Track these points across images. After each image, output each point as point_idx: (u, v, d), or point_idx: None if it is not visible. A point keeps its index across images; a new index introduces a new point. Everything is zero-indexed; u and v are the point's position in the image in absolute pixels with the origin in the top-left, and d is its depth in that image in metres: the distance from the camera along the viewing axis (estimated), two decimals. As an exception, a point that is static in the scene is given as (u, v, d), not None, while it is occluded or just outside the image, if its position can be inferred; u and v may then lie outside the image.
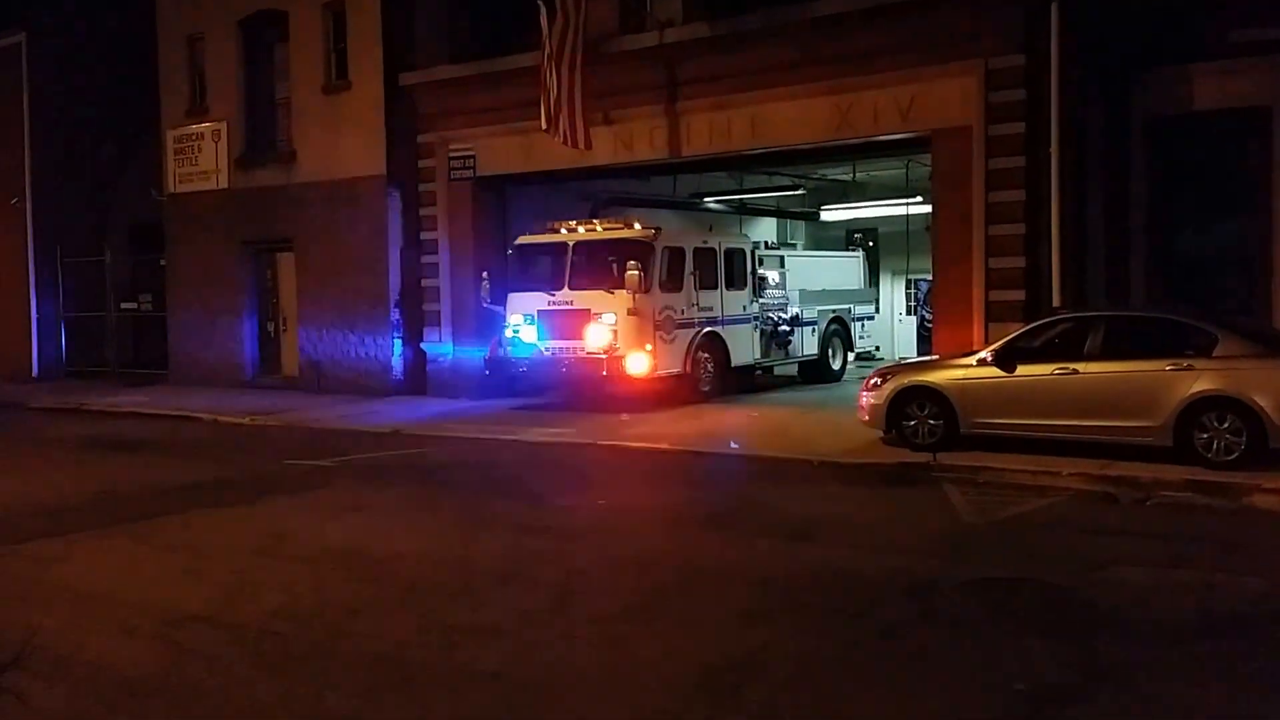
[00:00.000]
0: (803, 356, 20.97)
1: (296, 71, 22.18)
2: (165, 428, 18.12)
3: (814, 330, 21.16)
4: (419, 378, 20.80)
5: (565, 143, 17.47)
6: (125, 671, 6.16)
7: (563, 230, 18.25)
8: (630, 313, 17.08)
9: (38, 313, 26.01)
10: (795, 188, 24.34)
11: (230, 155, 23.17)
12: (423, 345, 20.81)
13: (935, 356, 14.35)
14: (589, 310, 17.35)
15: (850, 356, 22.35)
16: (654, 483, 12.34)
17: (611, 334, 17.14)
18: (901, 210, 22.94)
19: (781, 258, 21.45)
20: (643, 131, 18.07)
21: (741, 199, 24.34)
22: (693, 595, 7.50)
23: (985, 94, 14.78)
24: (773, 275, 20.44)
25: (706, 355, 18.49)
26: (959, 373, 12.55)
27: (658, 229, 18.07)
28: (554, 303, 17.70)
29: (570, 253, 17.85)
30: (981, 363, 12.38)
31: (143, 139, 24.99)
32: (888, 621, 6.82)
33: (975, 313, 14.98)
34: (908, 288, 26.08)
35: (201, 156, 23.61)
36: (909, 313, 25.80)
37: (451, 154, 20.23)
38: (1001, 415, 12.15)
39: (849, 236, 26.80)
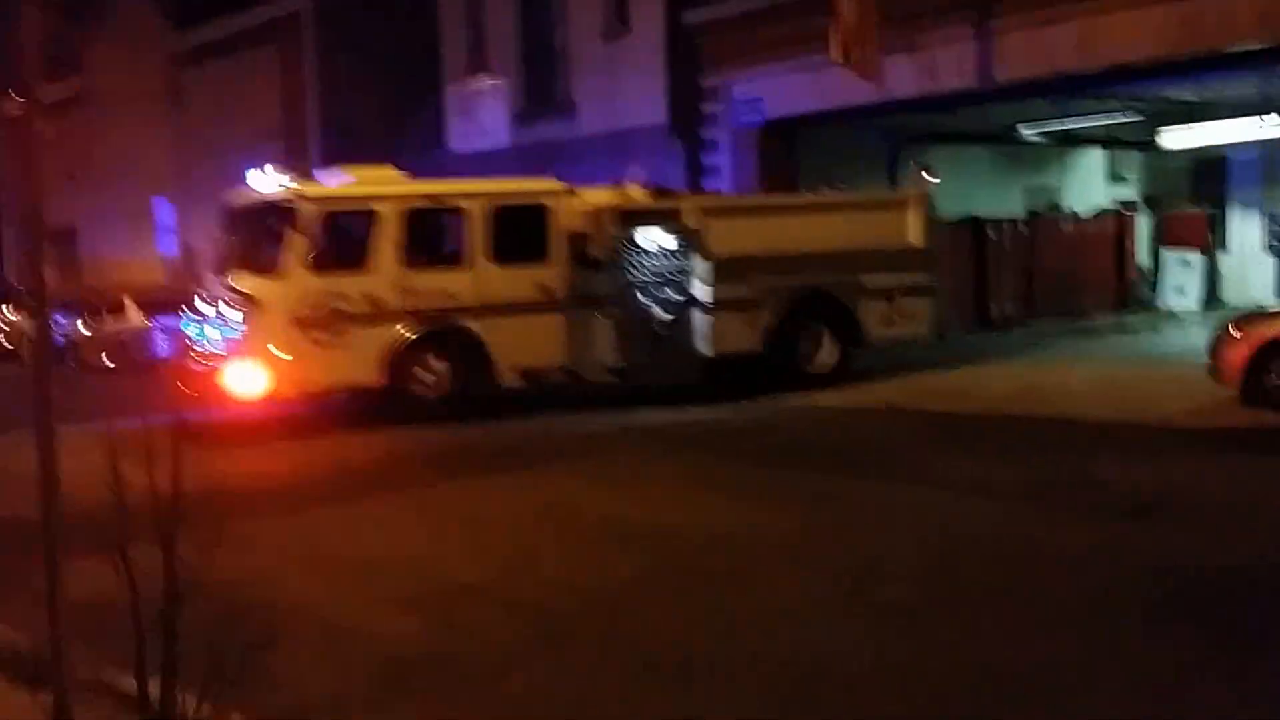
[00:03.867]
0: (725, 351, 15.45)
1: (576, 18, 22.50)
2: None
3: (746, 318, 15.49)
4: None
5: (860, 75, 16.82)
6: (396, 647, 6.17)
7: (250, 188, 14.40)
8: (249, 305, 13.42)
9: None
10: (1128, 111, 22.56)
11: (511, 110, 23.81)
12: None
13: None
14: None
15: (834, 348, 16.21)
16: (961, 453, 11.65)
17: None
18: (1261, 133, 20.78)
19: (682, 212, 15.69)
20: (948, 58, 17.13)
21: (1066, 129, 22.79)
22: (1007, 588, 6.89)
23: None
24: (657, 240, 15.41)
25: (435, 361, 14.31)
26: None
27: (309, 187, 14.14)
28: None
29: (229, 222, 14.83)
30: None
31: (428, 99, 26.07)
32: (1251, 631, 6.03)
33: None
34: (1274, 224, 23.64)
35: (482, 113, 24.39)
36: (1273, 252, 23.40)
37: (736, 97, 19.94)
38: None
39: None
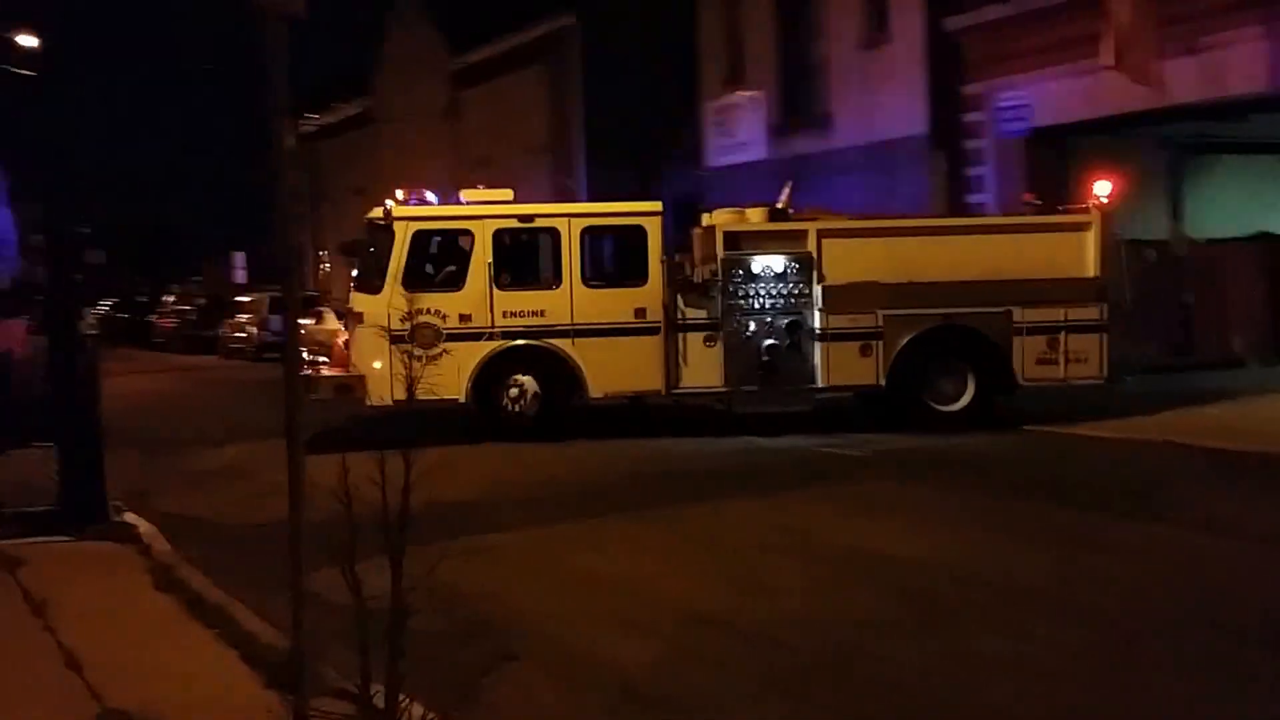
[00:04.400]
0: (839, 383, 14.79)
1: (834, 28, 22.20)
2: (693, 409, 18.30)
3: (863, 347, 14.67)
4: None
5: (1135, 79, 15.87)
6: (628, 672, 6.11)
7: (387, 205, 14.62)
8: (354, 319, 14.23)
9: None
10: None
11: (767, 124, 23.72)
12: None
13: None
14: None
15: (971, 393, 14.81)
16: (1233, 492, 10.74)
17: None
18: None
19: (798, 234, 14.98)
20: (1236, 59, 15.95)
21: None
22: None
23: None
24: (759, 265, 14.72)
25: (523, 379, 14.52)
26: None
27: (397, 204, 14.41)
28: None
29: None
30: None
31: (686, 114, 26.29)
32: None
33: None
34: None
35: (739, 127, 24.39)
36: None
37: (1001, 104, 19.19)
38: None
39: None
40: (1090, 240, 14.66)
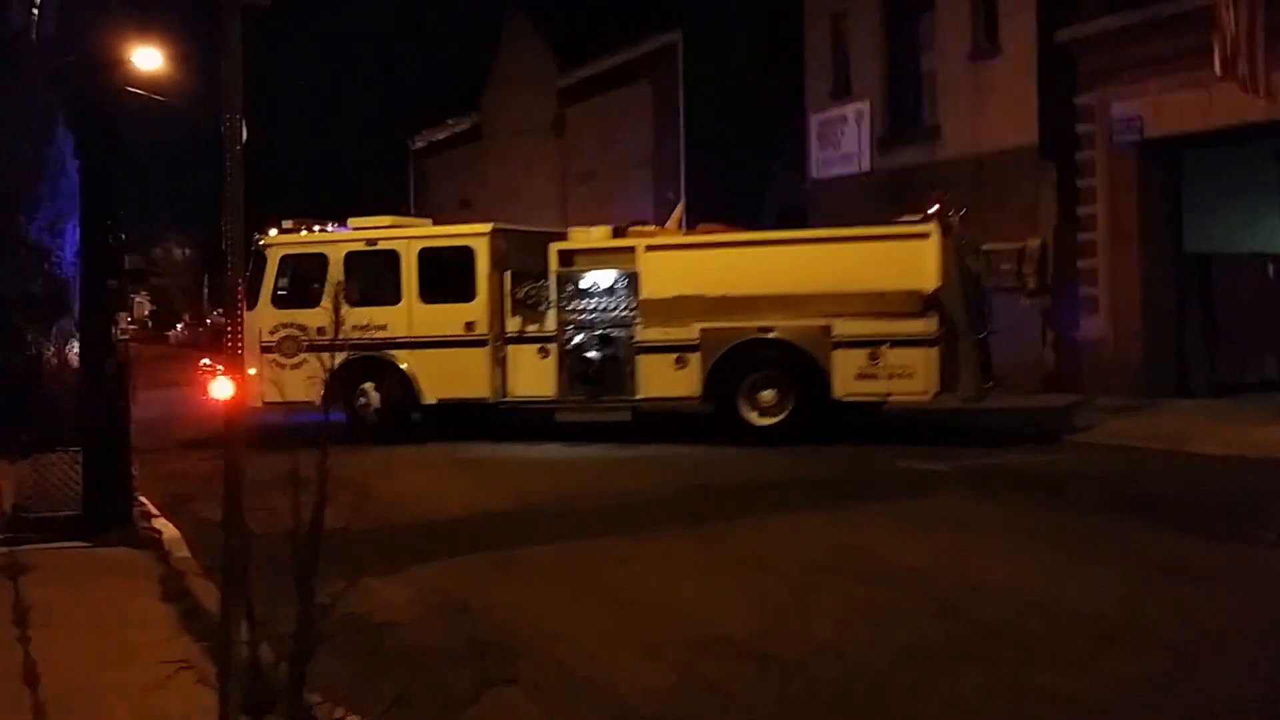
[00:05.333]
0: (643, 398, 15.35)
1: (942, 40, 21.78)
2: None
3: (678, 359, 14.96)
4: (1075, 372, 19.45)
5: (1244, 89, 15.29)
6: (628, 700, 5.74)
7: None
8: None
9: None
10: None
11: (872, 135, 23.41)
12: (1075, 335, 19.44)
13: None
14: None
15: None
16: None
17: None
18: None
19: (628, 251, 15.62)
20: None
21: None
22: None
23: None
24: (590, 280, 15.56)
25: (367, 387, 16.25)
26: None
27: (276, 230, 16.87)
28: None
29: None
30: None
31: (790, 127, 26.08)
32: None
33: None
34: None
35: (844, 139, 24.11)
36: None
37: (1113, 116, 18.63)
38: None
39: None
40: (929, 252, 14.14)
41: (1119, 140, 18.50)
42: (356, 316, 14.82)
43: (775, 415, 14.82)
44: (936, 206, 15.04)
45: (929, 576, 8.04)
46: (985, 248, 16.08)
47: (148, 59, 23.54)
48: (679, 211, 16.98)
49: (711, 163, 27.69)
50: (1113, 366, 18.51)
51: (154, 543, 9.36)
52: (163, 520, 10.41)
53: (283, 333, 16.12)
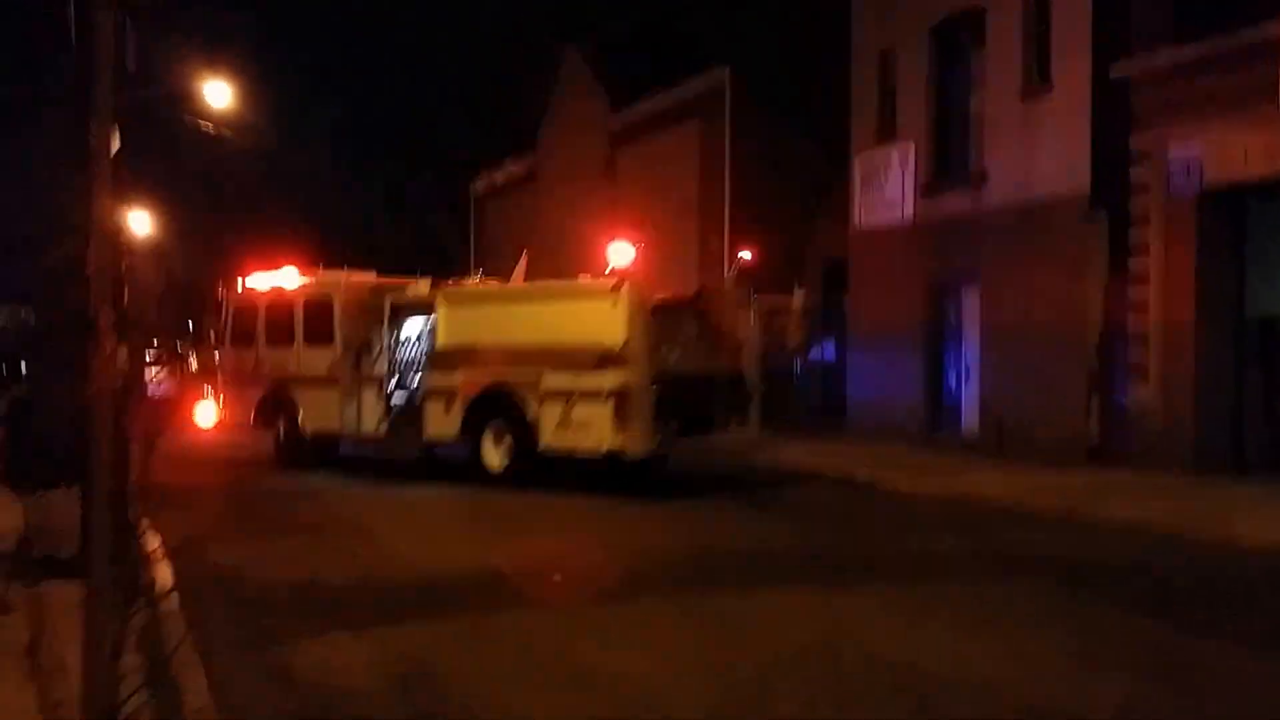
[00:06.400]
0: (432, 437, 16.97)
1: (991, 78, 20.15)
2: (814, 487, 16.86)
3: (446, 404, 16.38)
4: (1121, 443, 17.48)
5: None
6: None
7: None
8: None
9: (729, 356, 26.63)
10: None
11: (916, 180, 21.80)
12: (1123, 401, 17.48)
13: None
14: None
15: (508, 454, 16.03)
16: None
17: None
18: None
19: (425, 304, 17.25)
20: None
21: None
22: None
23: None
24: (409, 329, 17.32)
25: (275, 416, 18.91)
26: None
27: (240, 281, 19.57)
28: None
29: None
30: None
31: (837, 171, 24.57)
32: None
33: None
34: None
35: (888, 183, 22.51)
36: None
37: (1171, 159, 16.79)
38: None
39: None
40: (618, 307, 14.64)
41: (1176, 187, 16.64)
42: (272, 357, 18.82)
43: (501, 463, 15.99)
44: (521, 264, 18.19)
45: (907, 668, 7.20)
46: (756, 303, 17.25)
47: (218, 94, 23.42)
48: (524, 263, 18.54)
49: (756, 211, 26.30)
50: (1162, 438, 16.52)
51: (146, 588, 9.37)
52: (166, 565, 10.42)
53: (231, 367, 19.47)
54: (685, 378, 15.61)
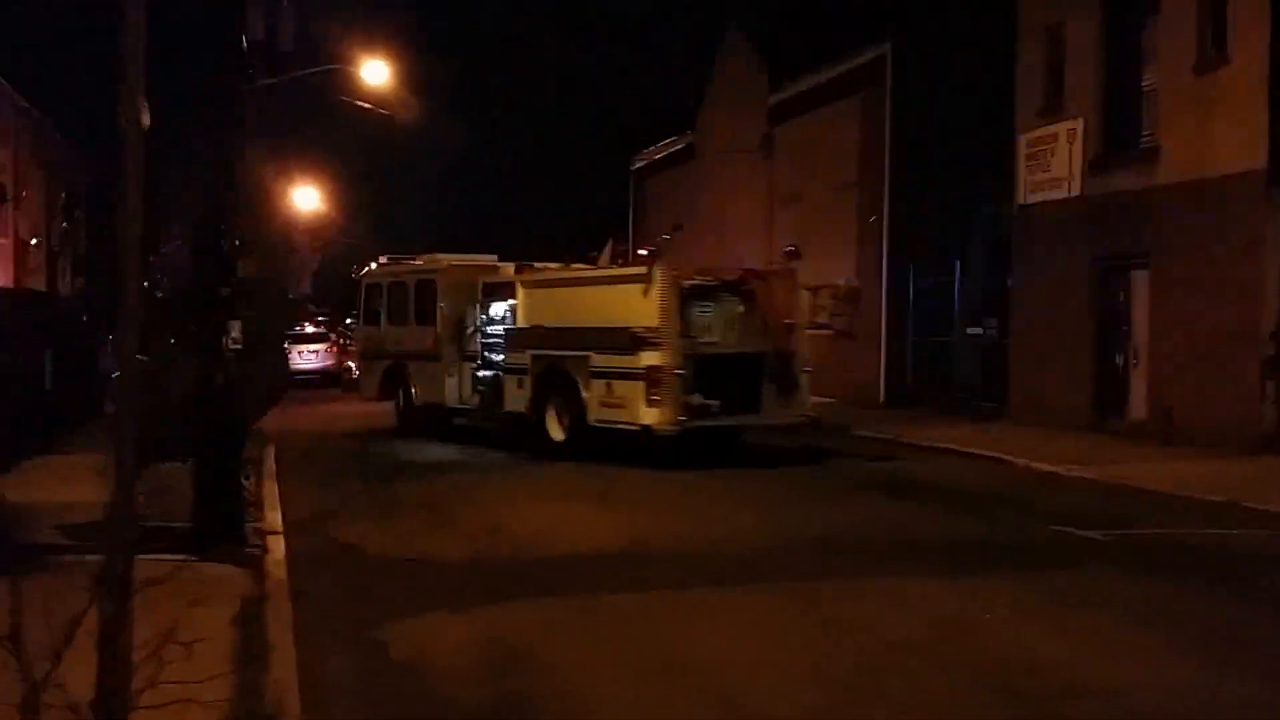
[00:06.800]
0: (509, 410, 18.51)
1: (1165, 51, 19.43)
2: (964, 470, 16.72)
3: (519, 381, 18.09)
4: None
5: None
6: None
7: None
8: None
9: (887, 335, 26.36)
10: None
11: (1084, 157, 21.15)
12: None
13: None
14: None
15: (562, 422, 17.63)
16: None
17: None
18: None
19: (510, 286, 18.97)
20: None
21: None
22: None
23: None
24: (496, 309, 19.19)
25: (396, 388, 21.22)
26: None
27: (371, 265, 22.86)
28: None
29: None
30: None
31: (1002, 148, 23.98)
32: None
33: None
34: None
35: (1054, 161, 21.87)
36: None
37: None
38: None
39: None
40: (651, 291, 15.76)
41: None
42: (392, 333, 21.41)
43: (560, 437, 17.37)
44: (607, 249, 19.87)
45: (1022, 666, 6.94)
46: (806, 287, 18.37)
47: (375, 72, 24.20)
48: (609, 249, 19.79)
49: (918, 187, 25.86)
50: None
51: (256, 562, 9.58)
52: (280, 538, 10.62)
53: (364, 343, 22.85)
54: (725, 358, 16.34)
